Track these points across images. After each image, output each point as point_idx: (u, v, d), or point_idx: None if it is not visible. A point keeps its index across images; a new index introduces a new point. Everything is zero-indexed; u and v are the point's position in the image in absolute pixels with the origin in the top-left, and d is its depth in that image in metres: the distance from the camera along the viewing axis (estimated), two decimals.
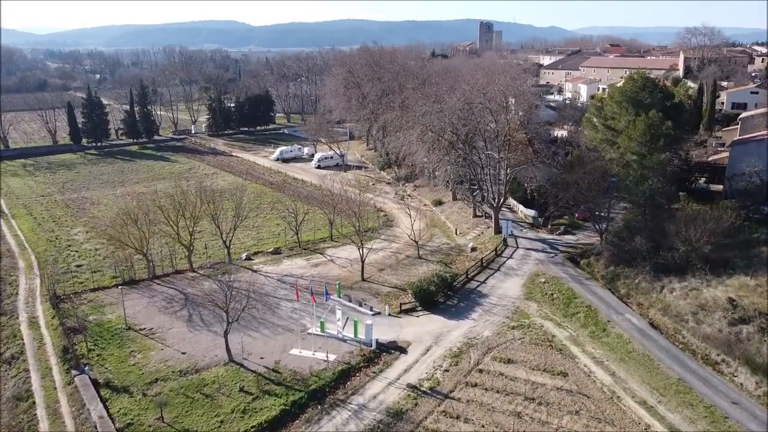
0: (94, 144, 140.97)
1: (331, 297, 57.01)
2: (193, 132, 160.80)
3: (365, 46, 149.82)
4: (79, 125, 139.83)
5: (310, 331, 50.72)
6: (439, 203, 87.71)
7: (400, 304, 54.40)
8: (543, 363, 44.06)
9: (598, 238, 65.24)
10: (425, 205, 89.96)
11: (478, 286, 58.12)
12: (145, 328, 52.49)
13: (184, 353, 48.19)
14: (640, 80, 69.06)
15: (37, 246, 74.35)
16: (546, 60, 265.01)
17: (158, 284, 62.26)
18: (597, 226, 64.31)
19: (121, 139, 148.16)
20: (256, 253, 71.16)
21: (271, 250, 71.71)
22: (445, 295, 55.86)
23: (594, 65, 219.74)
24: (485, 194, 70.41)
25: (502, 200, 69.48)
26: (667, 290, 50.51)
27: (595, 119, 74.48)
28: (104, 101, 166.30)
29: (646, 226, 58.20)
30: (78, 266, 67.52)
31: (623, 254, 56.71)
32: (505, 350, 46.27)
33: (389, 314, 53.62)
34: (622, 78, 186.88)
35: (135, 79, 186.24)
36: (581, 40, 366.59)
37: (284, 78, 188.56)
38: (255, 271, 65.45)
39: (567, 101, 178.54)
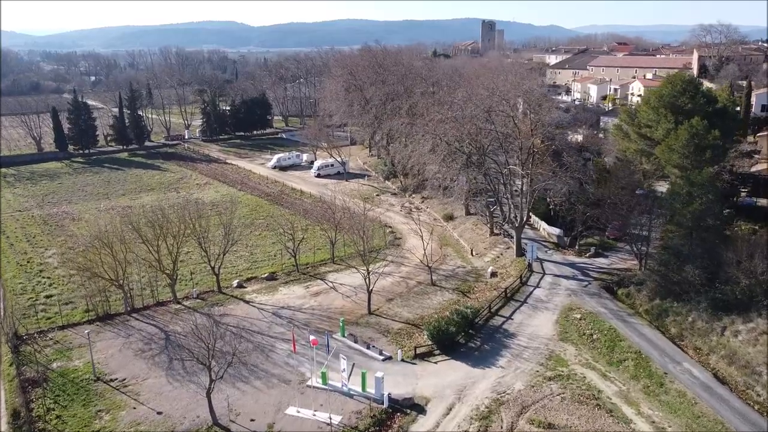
0: (80, 151, 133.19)
1: (334, 336, 49.52)
2: (186, 137, 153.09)
3: (367, 47, 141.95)
4: (66, 131, 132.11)
5: (309, 382, 43.08)
6: (450, 218, 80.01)
7: (415, 347, 46.69)
8: (591, 428, 36.44)
9: (636, 263, 57.80)
10: (435, 219, 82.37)
11: (504, 322, 50.42)
12: (116, 379, 44.80)
13: (160, 413, 40.54)
14: (679, 83, 61.37)
15: (5, 271, 66.71)
16: (551, 59, 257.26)
17: (137, 319, 54.60)
18: (634, 249, 56.73)
19: (110, 146, 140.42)
20: (249, 279, 63.51)
21: (266, 275, 64.04)
22: (466, 334, 48.17)
23: (603, 64, 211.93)
24: (507, 213, 62.68)
25: (525, 219, 61.78)
26: (730, 333, 42.89)
27: (627, 127, 66.82)
28: (98, 104, 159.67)
29: (693, 251, 50.58)
30: (48, 296, 59.87)
31: (671, 286, 49.10)
32: (543, 410, 38.62)
33: (402, 359, 45.93)
34: (634, 78, 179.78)
35: (128, 81, 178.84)
36: (586, 38, 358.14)
37: (282, 80, 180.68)
38: (248, 302, 57.78)
39: (576, 102, 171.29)
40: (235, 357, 39.76)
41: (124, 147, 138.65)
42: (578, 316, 49.51)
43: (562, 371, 42.81)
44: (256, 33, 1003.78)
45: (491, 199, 68.56)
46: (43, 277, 64.83)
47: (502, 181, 60.78)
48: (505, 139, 58.42)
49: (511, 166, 58.77)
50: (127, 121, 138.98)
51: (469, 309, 49.16)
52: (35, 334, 51.56)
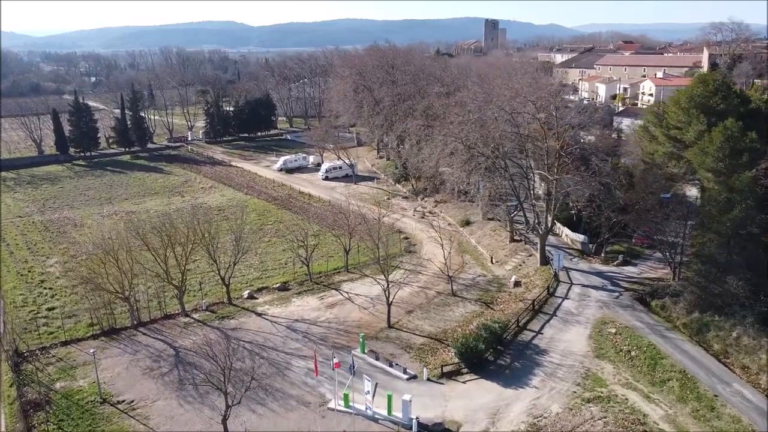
0: (82, 154, 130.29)
1: (353, 353, 46.74)
2: (189, 139, 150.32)
3: (375, 46, 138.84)
4: (67, 133, 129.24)
5: (331, 405, 40.29)
6: (466, 223, 77.11)
7: (442, 365, 43.85)
8: None
9: (668, 272, 55.02)
10: (449, 224, 79.51)
11: (533, 337, 47.56)
12: (124, 401, 41.99)
13: None
14: (712, 82, 58.48)
15: (5, 282, 63.88)
16: (557, 58, 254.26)
17: (144, 334, 51.77)
18: (668, 258, 53.90)
19: (112, 148, 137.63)
20: (260, 290, 60.67)
21: (277, 285, 61.20)
22: (495, 350, 45.36)
23: (610, 63, 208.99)
24: (533, 220, 59.75)
25: (550, 226, 58.92)
26: None
27: (653, 128, 63.93)
28: (98, 105, 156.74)
29: (732, 261, 47.74)
30: (50, 309, 57.00)
31: (711, 298, 46.26)
32: None
33: (428, 378, 43.11)
34: (644, 77, 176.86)
35: (129, 81, 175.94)
36: (590, 37, 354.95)
37: (286, 80, 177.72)
38: (260, 315, 54.97)
39: (584, 101, 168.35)
40: (254, 381, 36.90)
41: (126, 149, 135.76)
42: (613, 330, 46.66)
43: (602, 392, 39.97)
44: (256, 33, 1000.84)
45: (512, 204, 65.70)
46: (45, 288, 61.98)
47: (526, 186, 57.79)
48: (532, 142, 55.56)
49: (537, 171, 55.81)
50: (129, 122, 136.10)
51: (497, 324, 46.32)
52: (37, 351, 48.80)
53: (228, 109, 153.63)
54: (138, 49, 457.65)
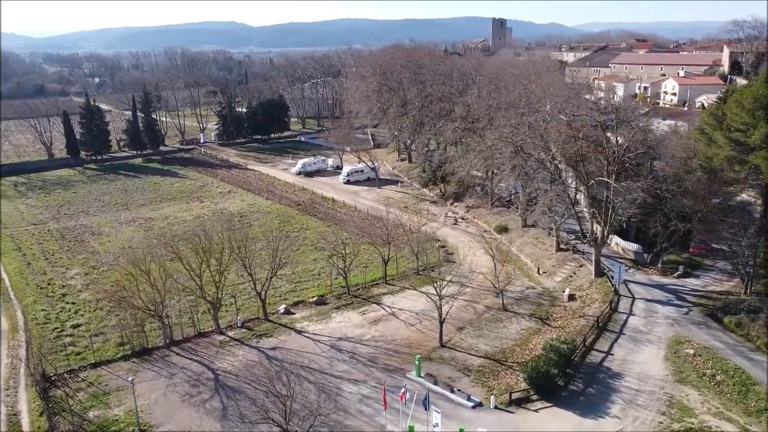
0: (93, 157, 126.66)
1: (408, 376, 43.33)
2: (201, 141, 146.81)
3: (398, 44, 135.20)
4: (77, 136, 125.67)
5: None
6: (504, 230, 73.47)
7: (510, 391, 40.25)
8: None
9: (734, 284, 51.50)
10: (485, 231, 75.94)
11: (604, 359, 43.96)
12: None
13: None
14: None
15: (24, 296, 60.32)
16: (569, 57, 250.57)
17: (177, 354, 48.22)
18: (740, 270, 50.29)
19: (124, 151, 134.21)
20: (296, 304, 57.13)
21: (314, 298, 57.63)
22: (564, 374, 41.78)
23: (626, 62, 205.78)
24: (590, 228, 56.11)
25: (607, 234, 55.34)
26: None
27: (710, 130, 60.29)
28: (105, 107, 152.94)
29: None
30: (74, 326, 53.40)
31: None
32: None
33: (495, 406, 39.53)
34: (664, 75, 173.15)
35: (136, 82, 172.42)
36: (599, 36, 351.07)
37: (298, 80, 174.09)
38: (299, 332, 51.41)
39: (602, 102, 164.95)
40: (320, 417, 33.34)
41: (138, 152, 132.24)
42: (691, 351, 43.06)
43: (692, 423, 36.37)
44: (257, 33, 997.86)
45: (558, 211, 62.08)
46: (67, 303, 58.35)
47: (585, 193, 54.18)
48: (596, 147, 52.04)
49: (600, 178, 52.16)
50: (141, 124, 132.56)
51: (565, 345, 42.73)
52: (65, 374, 45.24)
53: (240, 110, 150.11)
54: (141, 49, 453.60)
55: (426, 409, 34.81)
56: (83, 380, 44.70)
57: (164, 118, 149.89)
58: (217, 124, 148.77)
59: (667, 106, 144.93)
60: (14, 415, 40.75)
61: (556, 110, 53.72)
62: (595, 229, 56.20)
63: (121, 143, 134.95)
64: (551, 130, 53.58)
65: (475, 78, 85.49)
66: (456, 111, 75.96)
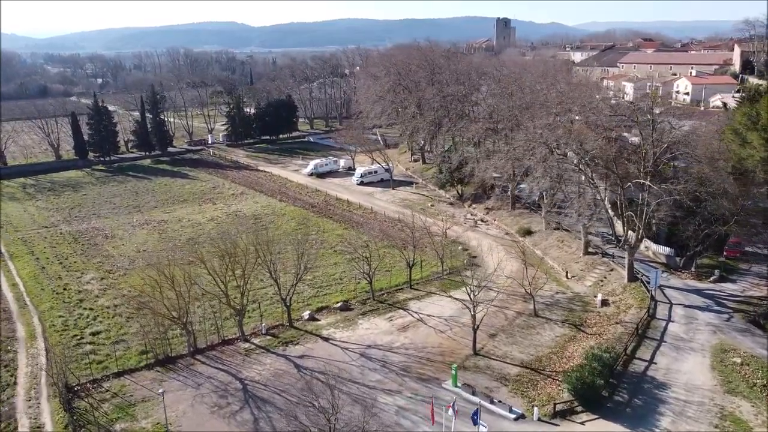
0: (101, 159, 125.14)
1: (444, 386, 41.86)
2: (210, 142, 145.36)
3: (414, 44, 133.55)
4: (85, 137, 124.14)
5: None
6: (527, 232, 71.98)
7: (554, 403, 38.74)
8: None
9: None
10: (507, 234, 74.49)
11: (647, 368, 42.43)
12: None
13: None
14: None
15: (40, 301, 58.77)
16: (576, 56, 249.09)
17: (202, 362, 46.70)
18: None
19: (132, 152, 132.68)
20: (320, 310, 55.61)
21: (339, 304, 56.11)
22: (608, 384, 40.25)
23: (634, 61, 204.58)
24: (624, 232, 54.49)
25: (642, 238, 53.82)
26: None
27: (744, 130, 58.84)
28: (110, 108, 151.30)
29: None
30: (94, 334, 51.90)
31: None
32: None
33: (539, 418, 38.03)
34: (674, 75, 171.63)
35: (141, 83, 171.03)
36: (604, 35, 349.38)
37: (305, 80, 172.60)
38: (326, 339, 49.91)
39: (612, 101, 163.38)
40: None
41: (147, 153, 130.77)
42: (738, 360, 41.57)
43: None
44: (257, 33, 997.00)
45: (587, 213, 60.56)
46: (85, 309, 56.80)
47: (620, 195, 52.52)
48: (634, 149, 50.60)
49: (638, 180, 50.64)
50: (149, 125, 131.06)
51: (608, 353, 41.17)
52: (88, 384, 43.74)
53: (248, 110, 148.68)
54: (143, 50, 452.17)
55: (475, 425, 33.25)
56: (107, 390, 43.15)
57: (172, 119, 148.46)
58: (225, 125, 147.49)
59: (680, 105, 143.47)
60: (38, 428, 39.17)
61: (589, 110, 52.14)
62: (627, 231, 54.59)
63: (129, 144, 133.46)
64: (585, 131, 52.08)
65: (497, 78, 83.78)
66: (475, 111, 74.35)
